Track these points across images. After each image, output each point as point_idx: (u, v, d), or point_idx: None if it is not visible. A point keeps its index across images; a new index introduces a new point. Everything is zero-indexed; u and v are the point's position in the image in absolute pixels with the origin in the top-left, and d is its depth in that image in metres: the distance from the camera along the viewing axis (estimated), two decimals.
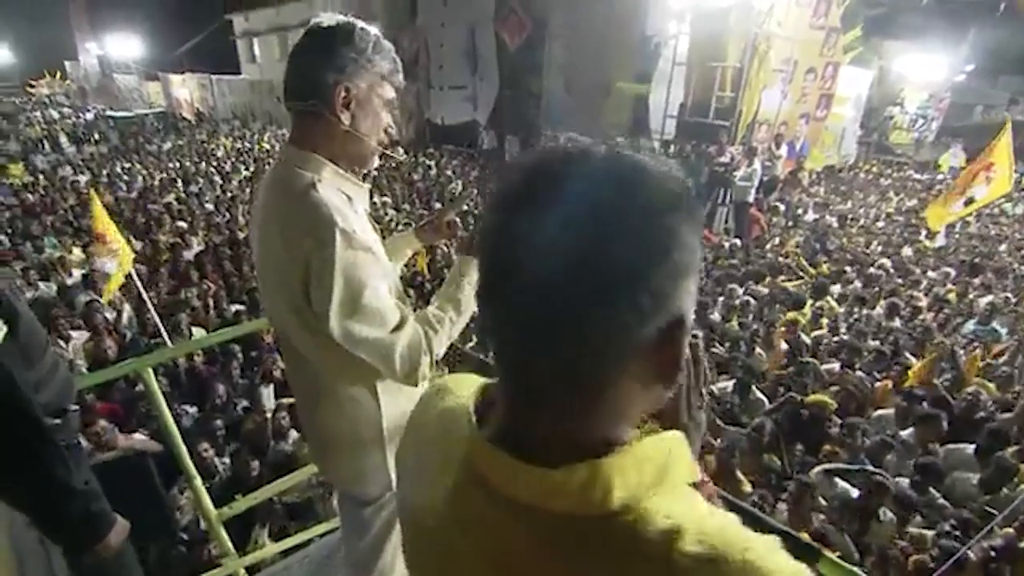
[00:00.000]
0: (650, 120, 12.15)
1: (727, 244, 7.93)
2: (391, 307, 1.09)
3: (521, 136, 15.31)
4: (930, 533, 2.70)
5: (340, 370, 1.17)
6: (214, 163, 12.54)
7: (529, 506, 0.43)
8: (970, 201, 5.83)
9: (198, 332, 4.66)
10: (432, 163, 13.74)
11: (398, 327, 1.09)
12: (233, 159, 13.18)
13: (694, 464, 0.45)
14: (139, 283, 4.14)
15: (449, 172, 13.00)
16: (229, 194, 9.57)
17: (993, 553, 2.51)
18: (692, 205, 0.41)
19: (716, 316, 5.33)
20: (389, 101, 1.13)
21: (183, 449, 1.80)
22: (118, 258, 4.12)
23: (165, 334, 4.13)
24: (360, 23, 1.07)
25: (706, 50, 10.86)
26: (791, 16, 10.31)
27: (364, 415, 1.21)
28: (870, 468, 3.01)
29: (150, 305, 4.11)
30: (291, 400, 3.69)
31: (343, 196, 1.09)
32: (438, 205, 9.52)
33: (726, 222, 8.96)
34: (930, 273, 6.84)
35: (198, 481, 1.84)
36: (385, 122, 1.14)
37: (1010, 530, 2.66)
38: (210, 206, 8.84)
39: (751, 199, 8.62)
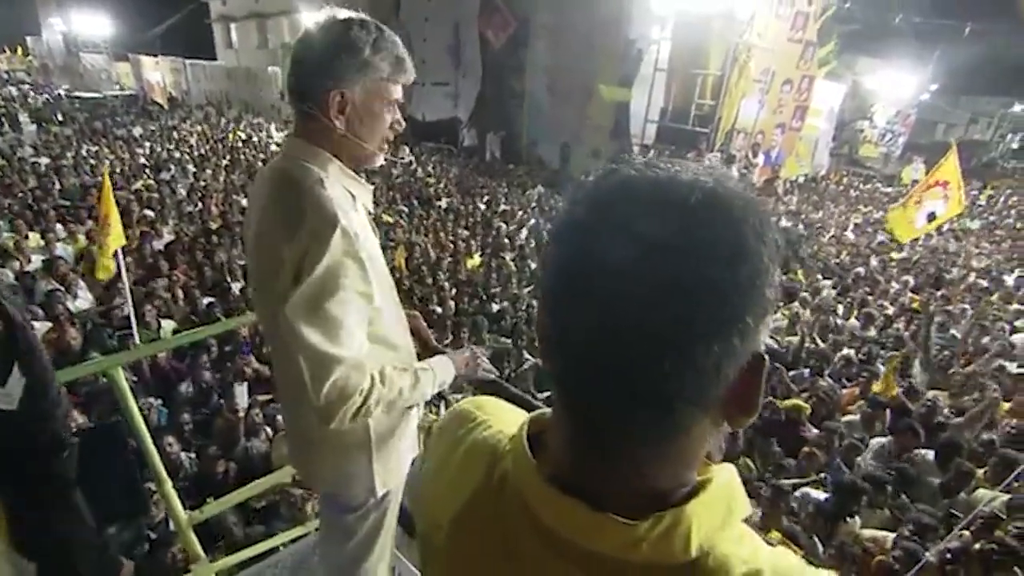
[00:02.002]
0: (631, 124, 12.29)
1: None
2: (352, 331, 1.01)
3: (502, 135, 15.31)
4: (891, 535, 2.80)
5: None
6: (187, 150, 12.17)
7: (604, 557, 0.41)
8: (932, 216, 6.03)
9: (167, 324, 4.52)
10: (412, 158, 13.61)
11: (348, 354, 1.00)
12: (207, 147, 12.81)
13: (745, 495, 0.45)
14: (124, 271, 3.96)
15: (429, 168, 12.90)
16: (202, 183, 9.30)
17: (949, 555, 2.62)
18: (775, 239, 0.39)
19: None
20: (393, 100, 1.10)
21: (153, 450, 1.74)
22: (110, 237, 3.92)
23: (135, 326, 3.96)
24: (360, 20, 1.04)
25: (688, 57, 11.05)
26: (771, 28, 10.56)
27: None
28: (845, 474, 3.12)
29: (128, 296, 3.93)
30: (265, 397, 3.62)
31: (347, 194, 1.08)
32: (415, 201, 9.43)
33: None
34: (893, 283, 7.09)
35: (168, 485, 1.77)
36: (388, 122, 1.11)
37: (967, 533, 2.78)
38: (182, 194, 8.58)
39: None
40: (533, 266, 6.75)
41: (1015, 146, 24.21)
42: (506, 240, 7.62)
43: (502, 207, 9.60)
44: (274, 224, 1.05)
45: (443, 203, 9.63)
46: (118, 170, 9.72)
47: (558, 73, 13.40)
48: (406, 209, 8.87)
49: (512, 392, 1.39)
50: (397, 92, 1.10)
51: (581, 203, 0.40)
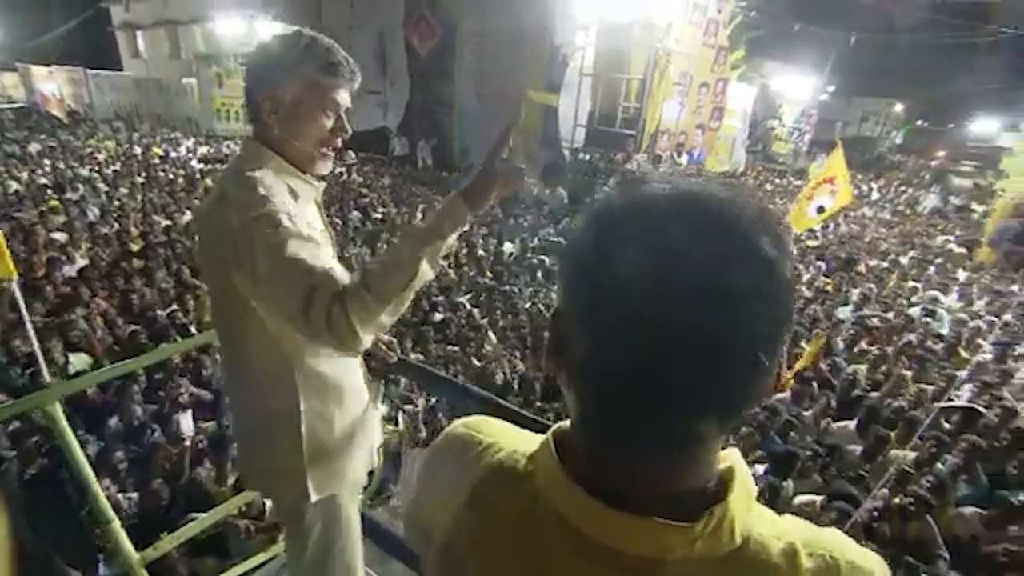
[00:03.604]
0: (560, 128, 12.58)
1: None
2: (304, 255, 0.98)
3: (433, 143, 15.24)
4: (818, 498, 3.07)
5: (264, 355, 1.15)
6: (95, 167, 11.25)
7: (654, 560, 0.42)
8: (821, 209, 6.57)
9: (76, 358, 4.14)
10: (343, 169, 13.27)
11: (311, 266, 0.97)
12: (120, 164, 11.89)
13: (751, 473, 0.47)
14: (21, 302, 3.51)
15: (361, 179, 12.63)
16: (117, 202, 8.65)
17: (876, 513, 2.92)
18: None
19: None
20: (329, 103, 1.12)
21: (97, 489, 1.63)
22: None
23: (43, 362, 3.54)
24: (298, 32, 1.11)
25: (611, 62, 11.49)
26: (686, 34, 11.20)
27: (281, 405, 1.17)
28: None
29: (30, 329, 3.51)
30: (209, 423, 3.45)
31: (285, 187, 1.11)
32: (356, 214, 9.19)
33: None
34: (810, 268, 7.72)
35: (116, 523, 1.67)
36: (325, 126, 1.13)
37: (886, 491, 3.09)
38: (95, 214, 7.93)
39: None
40: (471, 273, 6.78)
41: (898, 141, 27.11)
42: None
43: None
44: (208, 212, 1.12)
45: (379, 214, 9.47)
46: (11, 191, 8.86)
47: (486, 79, 13.50)
48: (340, 221, 8.64)
49: (503, 406, 1.35)
50: (337, 96, 1.13)
51: (624, 224, 0.41)
